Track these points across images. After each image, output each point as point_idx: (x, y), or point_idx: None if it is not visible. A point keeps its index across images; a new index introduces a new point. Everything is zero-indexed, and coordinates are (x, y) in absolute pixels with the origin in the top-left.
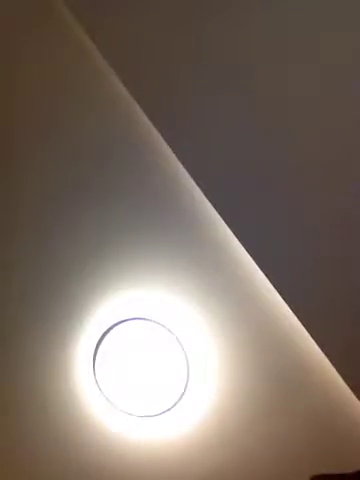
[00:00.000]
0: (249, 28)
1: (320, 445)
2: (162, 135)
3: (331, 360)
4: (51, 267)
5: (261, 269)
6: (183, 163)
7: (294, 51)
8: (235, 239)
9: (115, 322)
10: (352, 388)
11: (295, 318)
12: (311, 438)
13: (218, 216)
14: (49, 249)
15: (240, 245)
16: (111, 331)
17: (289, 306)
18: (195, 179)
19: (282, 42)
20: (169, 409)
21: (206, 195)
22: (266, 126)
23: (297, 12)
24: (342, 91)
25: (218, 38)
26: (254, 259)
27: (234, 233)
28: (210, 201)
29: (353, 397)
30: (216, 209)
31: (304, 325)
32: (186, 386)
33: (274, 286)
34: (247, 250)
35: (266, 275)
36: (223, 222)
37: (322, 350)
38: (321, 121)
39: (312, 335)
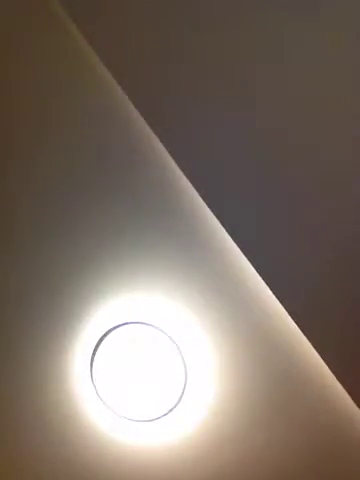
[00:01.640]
0: (249, 28)
1: (319, 449)
2: (159, 137)
3: (329, 366)
4: (49, 268)
5: (259, 274)
6: (180, 165)
7: (294, 51)
8: (235, 243)
9: (113, 326)
10: (350, 393)
11: (294, 324)
12: (310, 442)
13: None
14: (48, 250)
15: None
16: (109, 335)
17: (287, 311)
18: (192, 182)
19: (282, 42)
20: (167, 413)
21: (203, 198)
22: (266, 126)
23: (297, 12)
24: (342, 91)
25: (218, 38)
26: (252, 263)
27: (231, 237)
28: (207, 204)
29: (351, 402)
30: (213, 212)
31: (303, 331)
32: (184, 390)
33: (273, 291)
34: (245, 254)
35: (264, 280)
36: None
37: (321, 356)
38: (321, 121)
39: (311, 341)
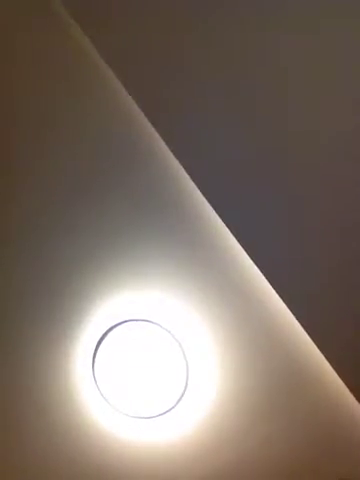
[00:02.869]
0: (250, 28)
1: (320, 445)
2: (161, 135)
3: (330, 362)
4: (50, 267)
5: (261, 271)
6: (182, 164)
7: (294, 51)
8: (237, 241)
9: (114, 323)
10: (351, 389)
11: (296, 321)
12: (311, 439)
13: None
14: (48, 249)
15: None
16: (110, 333)
17: (289, 308)
18: (194, 180)
19: (282, 42)
20: (169, 411)
21: (205, 196)
22: (266, 126)
23: (297, 12)
24: (342, 91)
25: (218, 38)
26: (254, 261)
27: (233, 234)
28: (209, 202)
29: (353, 399)
30: (215, 210)
31: (304, 327)
32: (185, 387)
33: (274, 288)
34: (247, 252)
35: (266, 277)
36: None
37: (322, 353)
38: (321, 121)
39: (312, 338)
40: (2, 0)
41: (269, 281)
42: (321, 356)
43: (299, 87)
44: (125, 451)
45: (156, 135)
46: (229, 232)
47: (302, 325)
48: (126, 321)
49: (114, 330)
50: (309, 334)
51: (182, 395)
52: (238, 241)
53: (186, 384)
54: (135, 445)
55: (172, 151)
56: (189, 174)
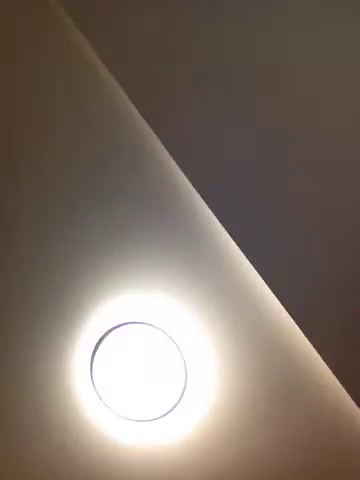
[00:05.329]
0: (250, 28)
1: (319, 448)
2: (160, 137)
3: (329, 365)
4: (50, 268)
5: (260, 274)
6: (181, 166)
7: (294, 51)
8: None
9: (113, 326)
10: (350, 392)
11: (294, 323)
12: (310, 442)
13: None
14: (49, 250)
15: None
16: (109, 335)
17: (287, 310)
18: (193, 182)
19: (282, 42)
20: (167, 413)
21: (204, 199)
22: (266, 126)
23: (298, 12)
24: (342, 91)
25: (218, 38)
26: (252, 263)
27: (233, 238)
28: (208, 204)
29: (351, 401)
30: (214, 213)
31: (303, 330)
32: (184, 390)
33: (273, 291)
34: (245, 254)
35: (265, 280)
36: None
37: (321, 355)
38: (321, 121)
39: (311, 340)
40: (1, 0)
41: (268, 284)
42: (320, 359)
43: (299, 87)
44: (123, 454)
45: (154, 136)
46: (229, 236)
47: (301, 327)
48: (124, 324)
49: (112, 332)
50: (308, 336)
51: (180, 398)
52: (236, 243)
53: (184, 387)
54: (133, 448)
55: (170, 152)
56: (187, 176)
